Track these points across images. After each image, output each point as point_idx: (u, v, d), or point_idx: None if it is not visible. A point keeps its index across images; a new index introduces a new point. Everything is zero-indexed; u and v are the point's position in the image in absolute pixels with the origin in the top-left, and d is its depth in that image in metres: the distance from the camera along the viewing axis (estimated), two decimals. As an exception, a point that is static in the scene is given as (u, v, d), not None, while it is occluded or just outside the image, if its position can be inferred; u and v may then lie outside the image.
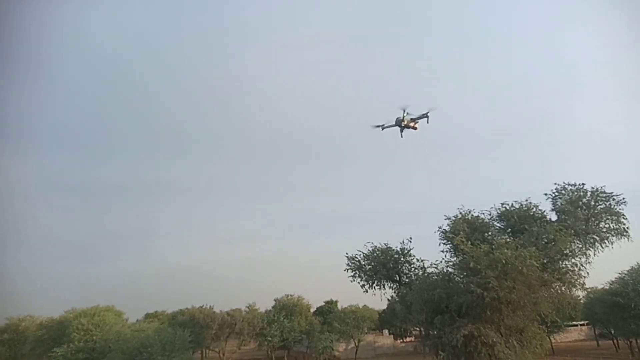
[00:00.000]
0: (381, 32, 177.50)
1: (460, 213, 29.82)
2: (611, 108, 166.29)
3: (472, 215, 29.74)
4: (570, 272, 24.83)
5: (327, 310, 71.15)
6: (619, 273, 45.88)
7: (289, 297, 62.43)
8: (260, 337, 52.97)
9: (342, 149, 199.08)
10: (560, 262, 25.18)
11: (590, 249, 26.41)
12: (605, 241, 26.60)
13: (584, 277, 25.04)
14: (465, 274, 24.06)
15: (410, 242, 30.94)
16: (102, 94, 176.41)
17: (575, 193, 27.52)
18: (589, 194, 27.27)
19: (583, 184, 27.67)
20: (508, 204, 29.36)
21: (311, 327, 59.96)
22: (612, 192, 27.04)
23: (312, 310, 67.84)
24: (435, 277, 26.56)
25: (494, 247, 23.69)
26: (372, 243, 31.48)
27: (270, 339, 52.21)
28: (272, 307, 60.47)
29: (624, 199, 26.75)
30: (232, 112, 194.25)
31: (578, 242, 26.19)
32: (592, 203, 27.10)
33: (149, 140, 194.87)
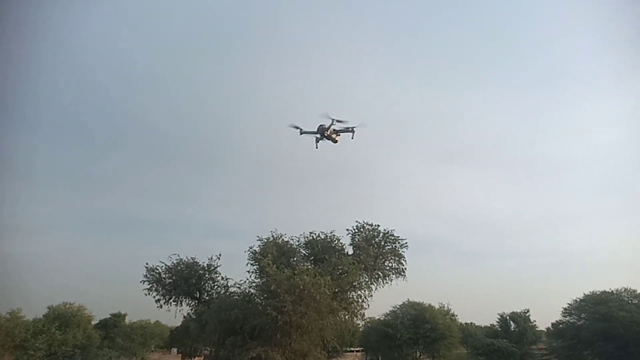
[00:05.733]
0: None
1: (272, 236, 30.53)
2: (408, 167, 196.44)
3: (283, 239, 30.74)
4: (355, 302, 27.55)
5: (112, 324, 64.29)
6: (393, 307, 53.49)
7: (68, 305, 54.40)
8: (19, 349, 44.39)
9: (168, 147, 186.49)
10: (349, 293, 27.73)
11: (375, 283, 29.99)
12: (387, 278, 30.54)
13: (366, 308, 28.15)
14: (265, 296, 24.48)
15: (219, 258, 30.34)
16: None
17: (370, 232, 30.94)
18: (380, 234, 30.96)
19: (378, 225, 31.23)
20: (315, 233, 31.35)
21: (89, 341, 53.30)
22: (398, 236, 31.24)
23: (93, 322, 60.43)
24: (236, 297, 26.40)
25: (296, 272, 24.77)
26: (178, 255, 29.85)
27: (32, 352, 44.22)
28: (44, 315, 51.77)
29: (406, 243, 31.26)
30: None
31: (366, 276, 29.37)
32: (382, 243, 30.87)
33: None
